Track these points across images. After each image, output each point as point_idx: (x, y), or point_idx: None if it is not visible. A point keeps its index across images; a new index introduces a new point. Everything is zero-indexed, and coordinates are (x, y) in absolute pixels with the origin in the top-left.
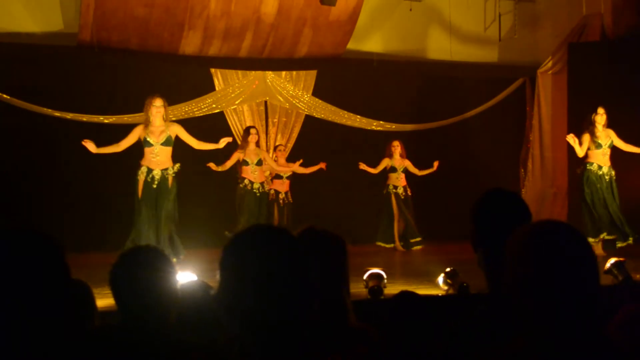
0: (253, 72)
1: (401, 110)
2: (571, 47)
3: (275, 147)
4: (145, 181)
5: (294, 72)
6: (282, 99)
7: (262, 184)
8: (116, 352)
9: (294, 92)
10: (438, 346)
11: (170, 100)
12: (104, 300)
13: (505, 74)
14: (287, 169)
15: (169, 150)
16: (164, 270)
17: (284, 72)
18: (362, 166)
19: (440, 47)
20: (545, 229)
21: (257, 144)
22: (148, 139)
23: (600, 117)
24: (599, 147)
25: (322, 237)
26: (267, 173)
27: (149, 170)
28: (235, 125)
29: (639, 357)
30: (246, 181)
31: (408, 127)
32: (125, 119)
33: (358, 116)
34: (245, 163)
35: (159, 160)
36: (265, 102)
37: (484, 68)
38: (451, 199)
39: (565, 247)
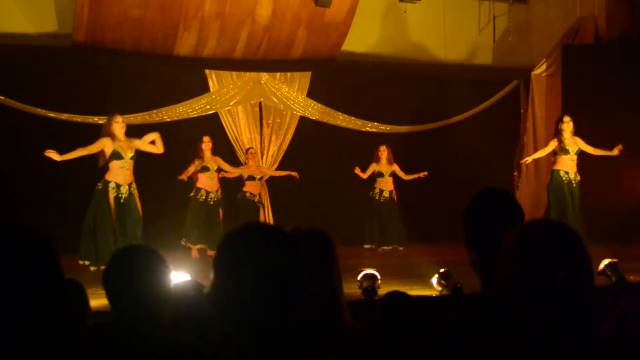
0: (248, 73)
1: (395, 112)
2: (565, 49)
3: (247, 150)
4: (114, 197)
5: (289, 74)
6: (276, 100)
7: (217, 191)
8: (109, 352)
9: (289, 94)
10: (431, 346)
11: (164, 101)
12: (98, 301)
13: (500, 76)
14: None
15: (132, 164)
16: (158, 270)
17: (278, 74)
18: (357, 170)
19: (435, 49)
20: (539, 228)
21: (212, 152)
22: (119, 152)
23: (567, 125)
24: (567, 152)
25: (308, 236)
26: (260, 176)
27: (117, 186)
28: (230, 126)
29: (632, 358)
30: (202, 191)
31: (402, 128)
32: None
33: (352, 118)
34: (206, 169)
35: (127, 175)
36: (260, 103)
37: (478, 70)
38: (445, 200)
39: (559, 247)
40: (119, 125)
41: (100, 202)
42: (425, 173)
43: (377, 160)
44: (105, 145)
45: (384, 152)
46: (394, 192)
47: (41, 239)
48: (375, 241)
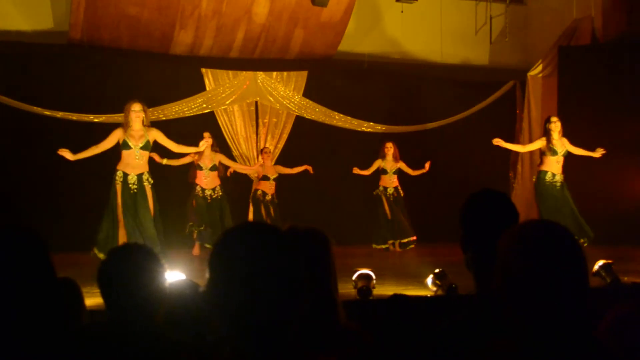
0: (244, 72)
1: (391, 112)
2: (562, 50)
3: (262, 150)
4: (122, 186)
5: (285, 73)
6: (272, 100)
7: (214, 189)
8: (103, 350)
9: (285, 93)
10: (426, 347)
11: (161, 100)
12: (93, 299)
13: (496, 77)
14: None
15: (146, 154)
16: (153, 269)
17: (274, 73)
18: (356, 170)
19: (431, 49)
20: (535, 228)
21: (213, 148)
22: (127, 142)
23: (554, 125)
24: (554, 153)
25: (304, 235)
26: (255, 175)
27: (125, 175)
28: (226, 125)
29: (627, 358)
30: (198, 188)
31: (398, 128)
32: (116, 118)
33: (348, 117)
34: (199, 167)
35: (136, 164)
36: (256, 102)
37: (475, 70)
38: (440, 200)
39: (555, 247)
40: (134, 114)
41: (110, 192)
42: (428, 163)
43: (383, 156)
44: (117, 136)
45: (390, 148)
46: (399, 187)
47: (32, 237)
48: (388, 238)
